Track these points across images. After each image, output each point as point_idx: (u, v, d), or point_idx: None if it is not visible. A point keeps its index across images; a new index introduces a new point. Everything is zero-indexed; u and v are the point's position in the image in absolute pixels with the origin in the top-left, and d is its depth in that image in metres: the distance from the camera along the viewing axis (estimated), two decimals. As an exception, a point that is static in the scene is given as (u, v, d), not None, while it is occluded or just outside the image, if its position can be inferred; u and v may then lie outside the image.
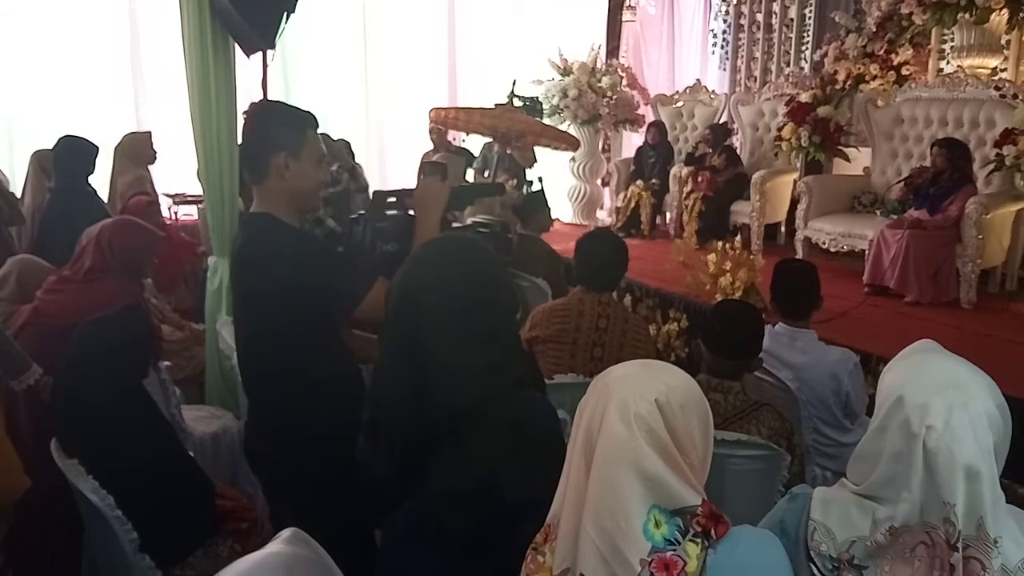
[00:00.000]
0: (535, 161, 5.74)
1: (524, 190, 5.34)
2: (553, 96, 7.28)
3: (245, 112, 1.96)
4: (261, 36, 3.31)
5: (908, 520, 1.13)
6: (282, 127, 1.85)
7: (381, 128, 7.61)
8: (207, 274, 3.62)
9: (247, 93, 4.98)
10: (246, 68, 3.56)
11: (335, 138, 5.44)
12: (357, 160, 5.83)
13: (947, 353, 1.26)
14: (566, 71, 7.41)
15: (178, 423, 2.69)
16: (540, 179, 5.71)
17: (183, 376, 3.48)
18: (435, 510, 1.38)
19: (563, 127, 7.10)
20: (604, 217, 7.89)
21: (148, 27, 6.38)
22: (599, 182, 7.82)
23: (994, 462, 1.12)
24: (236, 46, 3.35)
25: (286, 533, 1.25)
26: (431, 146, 6.26)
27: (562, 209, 7.58)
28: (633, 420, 1.11)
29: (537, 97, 6.92)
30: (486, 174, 5.94)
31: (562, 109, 7.27)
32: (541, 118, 6.91)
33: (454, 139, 6.22)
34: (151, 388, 2.40)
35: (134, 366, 2.24)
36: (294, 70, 7.02)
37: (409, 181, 6.15)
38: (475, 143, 6.38)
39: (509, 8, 7.86)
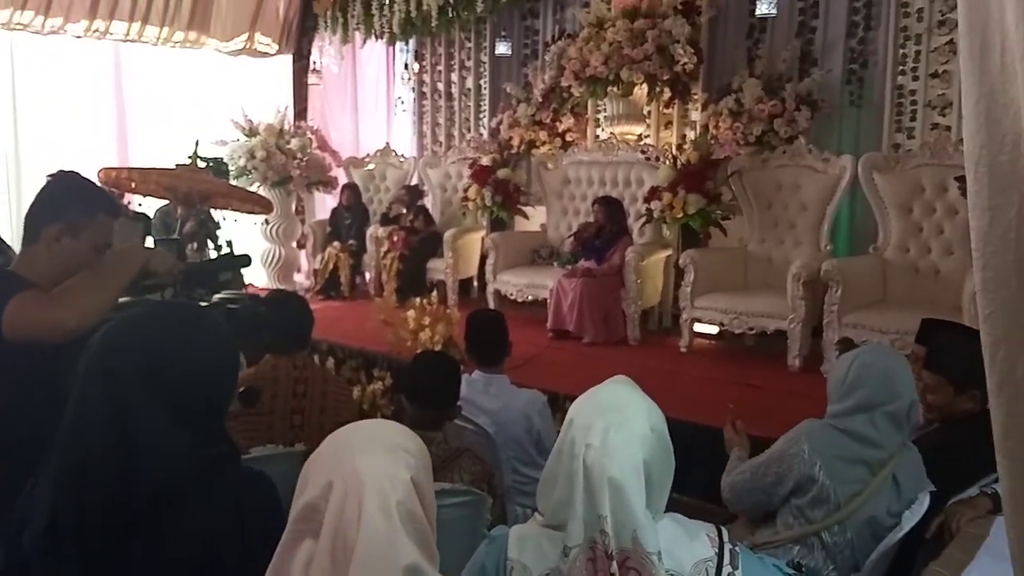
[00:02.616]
0: (218, 224, 5.44)
1: (207, 255, 5.02)
2: (239, 157, 7.02)
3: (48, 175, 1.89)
4: None
5: (577, 539, 1.21)
6: (72, 199, 1.82)
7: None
8: None
9: None
10: None
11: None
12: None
13: (626, 383, 1.38)
14: (252, 132, 7.20)
15: None
16: (229, 243, 5.42)
17: None
18: None
19: (252, 189, 6.85)
20: (302, 280, 7.71)
21: None
22: (294, 244, 7.65)
23: (642, 479, 1.22)
24: None
25: None
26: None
27: (256, 273, 7.27)
28: (395, 510, 1.03)
29: (222, 158, 6.62)
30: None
31: (250, 171, 7.03)
32: (227, 179, 6.60)
33: (129, 203, 5.70)
34: None
35: None
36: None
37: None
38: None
39: (184, 66, 7.46)
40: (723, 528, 1.30)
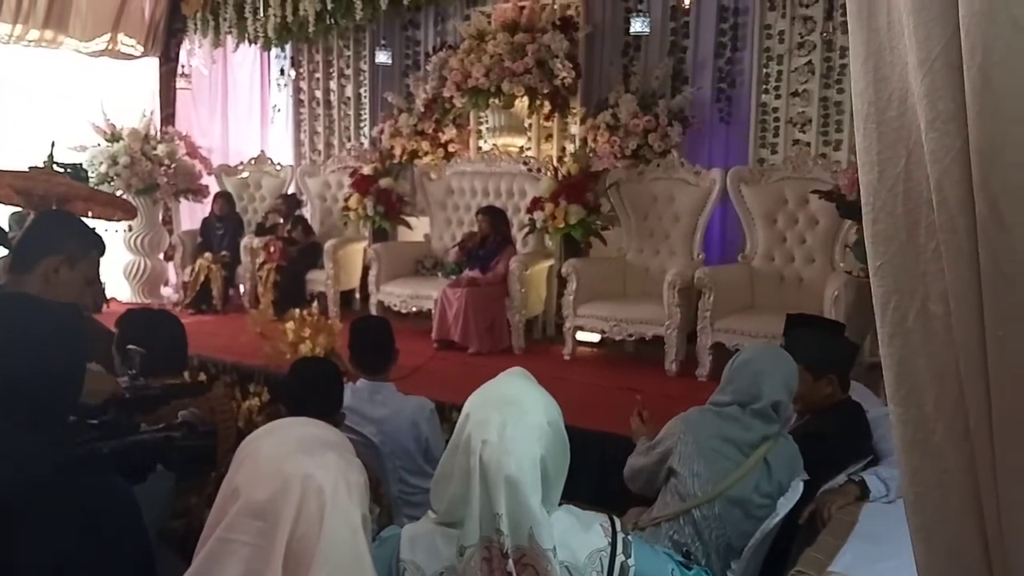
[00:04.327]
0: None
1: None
2: (100, 163, 6.60)
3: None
4: None
5: (472, 538, 1.19)
6: (70, 234, 1.95)
7: None
8: None
9: None
10: None
11: None
12: None
13: (522, 375, 1.37)
14: (115, 137, 6.79)
15: None
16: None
17: None
18: None
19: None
20: (170, 293, 7.31)
21: None
22: (161, 256, 7.25)
23: (538, 474, 1.20)
24: None
25: None
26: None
27: (119, 287, 6.85)
28: (358, 522, 1.04)
29: (81, 164, 6.21)
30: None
31: (112, 177, 6.61)
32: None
33: (-28, 209, 5.23)
34: None
35: None
36: None
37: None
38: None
39: (41, 65, 6.95)
40: (615, 518, 1.31)
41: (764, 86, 5.45)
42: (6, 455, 1.10)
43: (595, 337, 5.29)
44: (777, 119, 5.42)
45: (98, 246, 2.04)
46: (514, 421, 1.21)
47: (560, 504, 1.30)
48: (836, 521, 2.04)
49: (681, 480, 2.12)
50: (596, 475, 3.29)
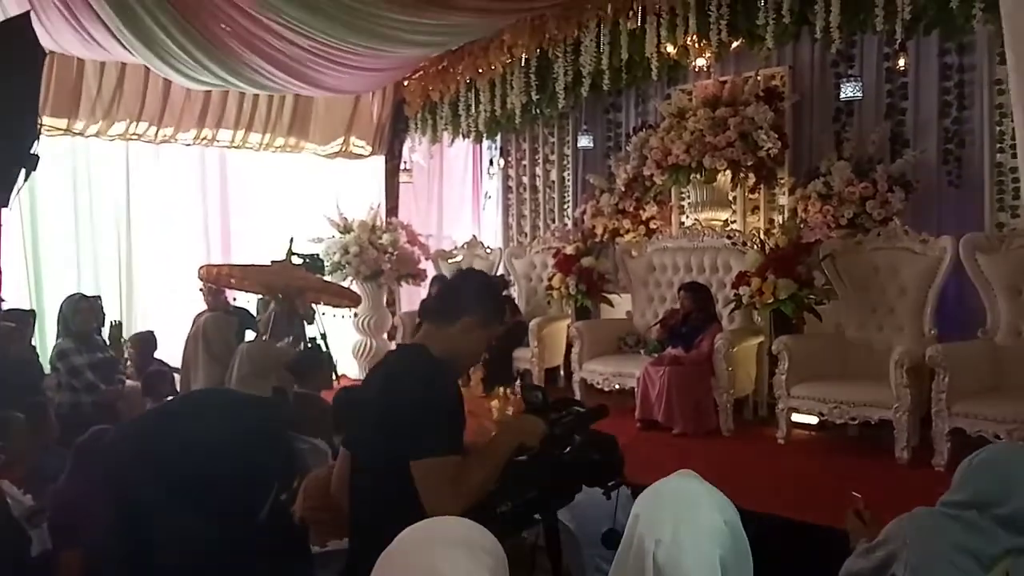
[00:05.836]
0: (314, 317, 5.64)
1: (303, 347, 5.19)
2: (334, 253, 7.31)
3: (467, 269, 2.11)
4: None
5: None
6: (492, 300, 2.08)
7: (142, 287, 7.14)
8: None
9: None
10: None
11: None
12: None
13: (693, 476, 1.30)
14: (346, 229, 7.51)
15: None
16: (323, 335, 5.59)
17: None
18: None
19: (346, 283, 7.11)
20: (391, 371, 7.80)
21: None
22: (385, 336, 7.81)
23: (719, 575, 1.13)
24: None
25: None
26: (203, 307, 5.96)
27: (349, 365, 7.43)
28: None
29: (317, 254, 6.91)
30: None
31: (344, 265, 7.29)
32: (322, 275, 6.87)
33: (226, 298, 5.98)
34: None
35: None
36: (44, 225, 6.52)
37: (174, 345, 5.77)
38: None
39: (284, 167, 7.91)
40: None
41: (999, 145, 4.94)
42: (194, 546, 1.19)
43: (813, 419, 4.92)
44: (1016, 179, 4.87)
45: (503, 318, 2.16)
46: (688, 520, 1.15)
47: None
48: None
49: None
50: (811, 573, 3.00)
